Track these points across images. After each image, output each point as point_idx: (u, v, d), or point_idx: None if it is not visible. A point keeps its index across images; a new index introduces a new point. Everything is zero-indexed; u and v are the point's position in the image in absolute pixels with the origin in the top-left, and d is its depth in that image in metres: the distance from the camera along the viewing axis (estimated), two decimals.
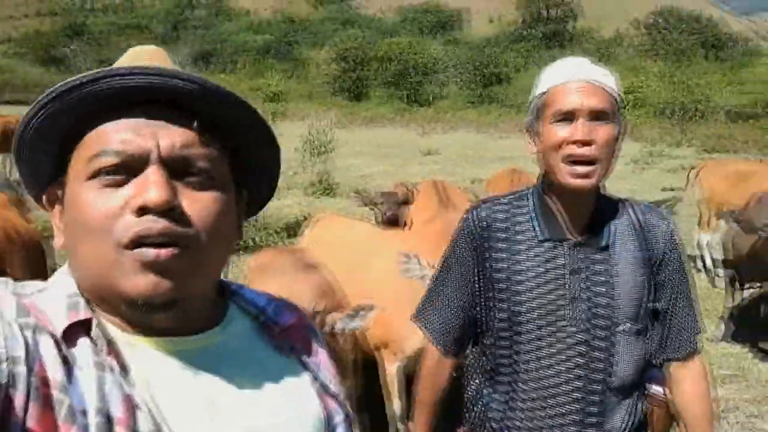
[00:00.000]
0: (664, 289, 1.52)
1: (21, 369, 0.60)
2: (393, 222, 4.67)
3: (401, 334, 2.94)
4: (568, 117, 1.42)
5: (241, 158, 0.81)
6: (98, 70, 0.70)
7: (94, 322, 0.70)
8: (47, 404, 0.61)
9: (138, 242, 0.67)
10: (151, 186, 0.67)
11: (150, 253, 0.67)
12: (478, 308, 1.60)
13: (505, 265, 1.52)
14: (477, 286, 1.59)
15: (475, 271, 1.58)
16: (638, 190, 11.46)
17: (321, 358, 0.91)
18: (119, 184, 0.69)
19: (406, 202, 5.01)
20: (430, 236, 4.28)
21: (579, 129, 1.40)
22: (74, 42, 52.21)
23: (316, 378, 0.86)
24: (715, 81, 29.59)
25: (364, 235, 3.73)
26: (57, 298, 0.71)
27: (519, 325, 1.50)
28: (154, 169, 0.69)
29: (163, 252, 0.68)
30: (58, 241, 0.76)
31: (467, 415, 1.68)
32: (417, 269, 2.50)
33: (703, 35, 66.84)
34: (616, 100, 1.44)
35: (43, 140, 0.74)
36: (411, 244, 3.41)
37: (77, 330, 0.69)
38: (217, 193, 0.74)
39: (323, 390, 0.86)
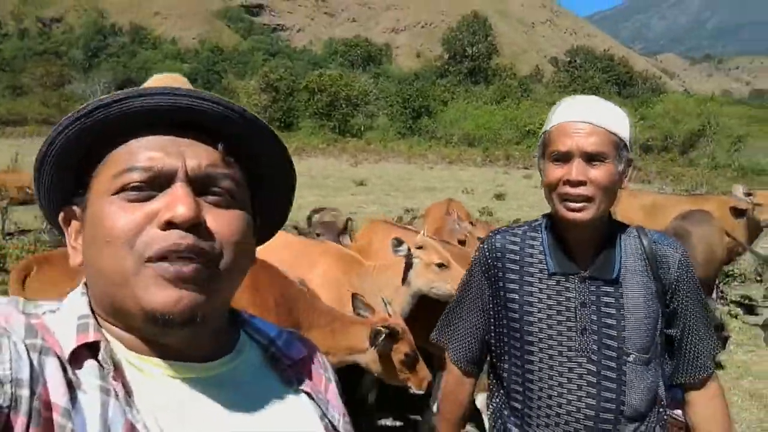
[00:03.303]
0: (677, 317, 1.53)
1: (24, 392, 0.58)
2: None
3: None
4: (565, 157, 1.44)
5: (256, 184, 0.81)
6: (130, 89, 0.71)
7: (102, 345, 0.68)
8: (49, 429, 0.59)
9: (162, 256, 0.67)
10: (179, 202, 0.67)
11: (173, 267, 0.67)
12: (492, 333, 1.63)
13: (517, 296, 1.54)
14: (491, 312, 1.62)
15: (490, 298, 1.61)
16: None
17: (330, 394, 0.88)
18: (144, 200, 0.69)
19: (344, 230, 5.14)
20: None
21: (572, 170, 1.42)
22: None
23: (324, 414, 0.83)
24: None
25: (301, 246, 4.09)
26: (67, 318, 0.70)
27: (530, 354, 1.51)
28: (181, 185, 0.69)
29: (186, 267, 0.67)
30: (74, 260, 0.75)
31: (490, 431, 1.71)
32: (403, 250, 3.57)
33: (615, 73, 71.27)
34: (618, 139, 1.44)
35: (67, 157, 0.73)
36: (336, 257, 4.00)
37: (85, 352, 0.67)
38: (239, 213, 0.74)
39: (331, 427, 0.82)
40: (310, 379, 0.85)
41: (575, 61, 73.34)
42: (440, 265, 3.51)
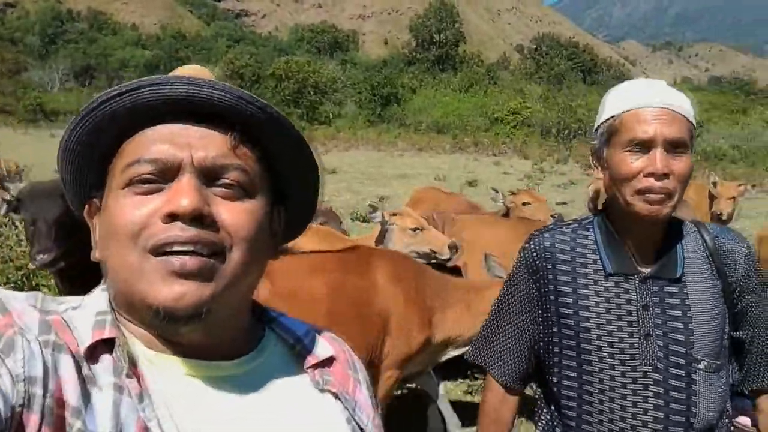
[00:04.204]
0: (744, 317, 1.40)
1: (37, 390, 0.58)
2: None
3: None
4: (644, 146, 1.29)
5: (278, 175, 0.78)
6: (139, 79, 0.69)
7: (118, 342, 0.66)
8: (60, 427, 0.58)
9: (164, 249, 0.65)
10: (181, 194, 0.66)
11: (178, 261, 0.65)
12: (541, 343, 1.48)
13: (571, 300, 1.40)
14: (540, 320, 1.47)
15: (538, 304, 1.47)
16: None
17: (359, 396, 0.83)
18: (152, 192, 0.68)
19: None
20: None
21: (656, 161, 1.27)
22: None
23: (351, 417, 0.79)
24: (591, 102, 31.95)
25: None
26: (87, 315, 0.69)
27: (588, 363, 1.38)
28: (186, 177, 0.67)
29: (190, 261, 0.65)
30: (94, 254, 0.74)
31: None
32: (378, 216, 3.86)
33: (580, 60, 72.25)
34: (693, 127, 1.32)
35: (87, 151, 0.72)
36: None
37: (102, 348, 0.66)
38: (250, 205, 0.71)
39: (359, 429, 0.79)
40: (338, 379, 0.82)
41: (541, 48, 74.07)
42: (415, 230, 3.79)
